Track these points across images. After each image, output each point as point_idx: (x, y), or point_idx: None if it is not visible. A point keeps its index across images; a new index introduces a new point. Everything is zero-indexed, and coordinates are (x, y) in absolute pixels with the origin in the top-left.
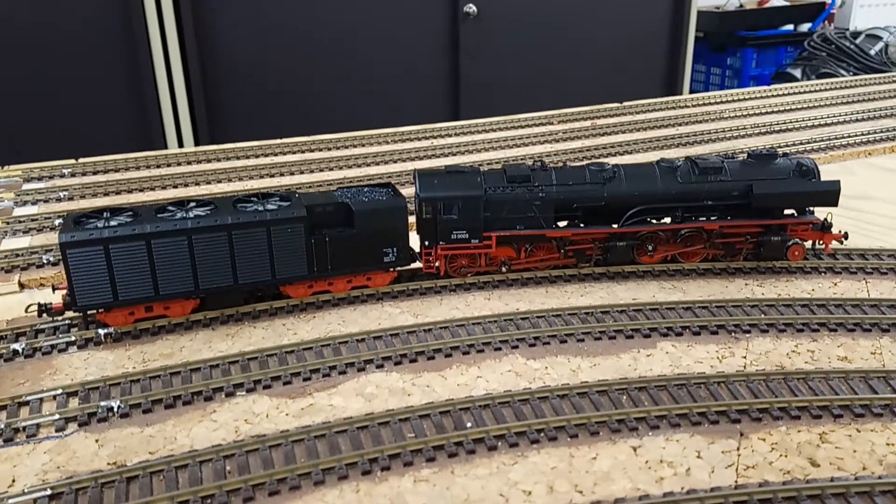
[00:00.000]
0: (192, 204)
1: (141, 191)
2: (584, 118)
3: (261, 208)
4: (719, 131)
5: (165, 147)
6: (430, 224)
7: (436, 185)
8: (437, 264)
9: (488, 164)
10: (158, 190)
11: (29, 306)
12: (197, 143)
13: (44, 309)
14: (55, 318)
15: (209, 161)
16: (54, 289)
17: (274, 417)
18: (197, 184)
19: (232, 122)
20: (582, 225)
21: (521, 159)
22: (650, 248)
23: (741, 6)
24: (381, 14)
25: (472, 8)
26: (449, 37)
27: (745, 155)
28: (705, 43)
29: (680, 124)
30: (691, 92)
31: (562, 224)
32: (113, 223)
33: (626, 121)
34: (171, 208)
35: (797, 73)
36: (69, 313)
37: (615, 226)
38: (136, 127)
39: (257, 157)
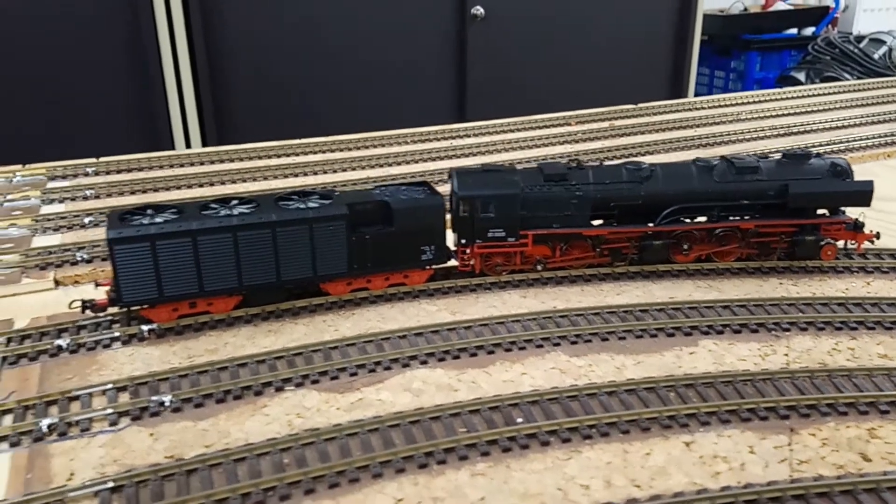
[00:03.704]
0: (235, 202)
1: (167, 189)
2: (601, 119)
3: (302, 206)
4: (737, 133)
5: (173, 147)
6: (466, 222)
7: (473, 184)
8: (472, 262)
9: (508, 164)
10: (184, 189)
11: (72, 302)
12: (204, 144)
13: (88, 305)
14: (98, 314)
15: (231, 161)
16: (97, 285)
17: (325, 412)
18: (222, 183)
19: (239, 123)
20: (615, 224)
21: (540, 160)
22: (686, 247)
23: (745, 10)
24: (388, 15)
25: (479, 10)
26: (456, 38)
27: (780, 155)
28: (709, 46)
29: (696, 126)
30: (696, 95)
31: (596, 223)
32: (158, 220)
33: (644, 122)
34: (214, 205)
35: (801, 76)
36: (112, 309)
37: (650, 224)
38: (144, 127)
39: (279, 157)
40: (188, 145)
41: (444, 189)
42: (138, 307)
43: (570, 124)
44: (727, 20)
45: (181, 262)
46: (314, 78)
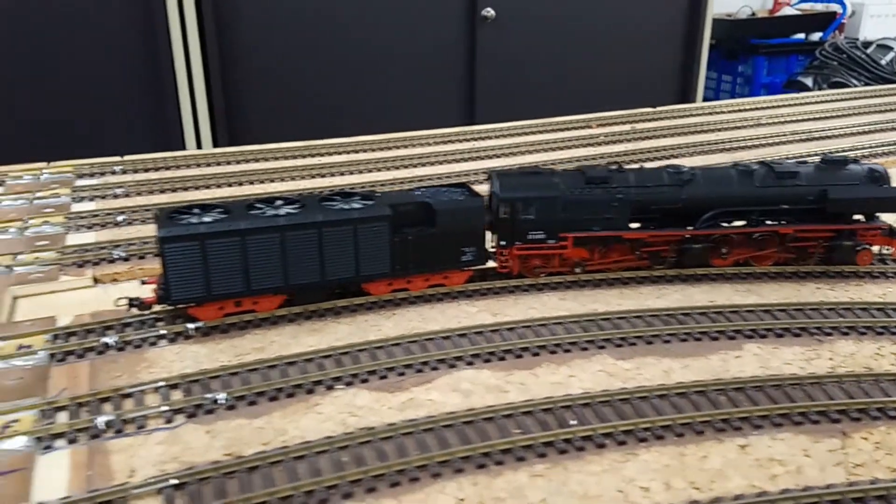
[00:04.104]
0: (280, 202)
1: (196, 189)
2: (622, 122)
3: (346, 206)
4: (758, 137)
5: (183, 147)
6: (506, 224)
7: (515, 186)
8: (510, 264)
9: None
10: (213, 188)
11: (118, 299)
12: (215, 144)
13: (135, 303)
14: (143, 312)
15: (257, 161)
16: (143, 282)
17: (377, 410)
18: (251, 183)
19: (250, 124)
20: (652, 227)
21: (562, 162)
22: (724, 250)
23: (753, 14)
24: (398, 17)
25: (490, 12)
26: (466, 40)
27: (819, 160)
28: (716, 50)
29: (717, 129)
30: (704, 99)
31: (634, 226)
32: (207, 219)
33: (665, 125)
34: (259, 205)
35: (808, 81)
36: (156, 307)
37: (689, 228)
38: (155, 126)
39: (302, 157)
40: (199, 145)
41: (479, 189)
42: (186, 305)
43: (591, 127)
44: (735, 24)
45: (229, 261)
46: (324, 79)
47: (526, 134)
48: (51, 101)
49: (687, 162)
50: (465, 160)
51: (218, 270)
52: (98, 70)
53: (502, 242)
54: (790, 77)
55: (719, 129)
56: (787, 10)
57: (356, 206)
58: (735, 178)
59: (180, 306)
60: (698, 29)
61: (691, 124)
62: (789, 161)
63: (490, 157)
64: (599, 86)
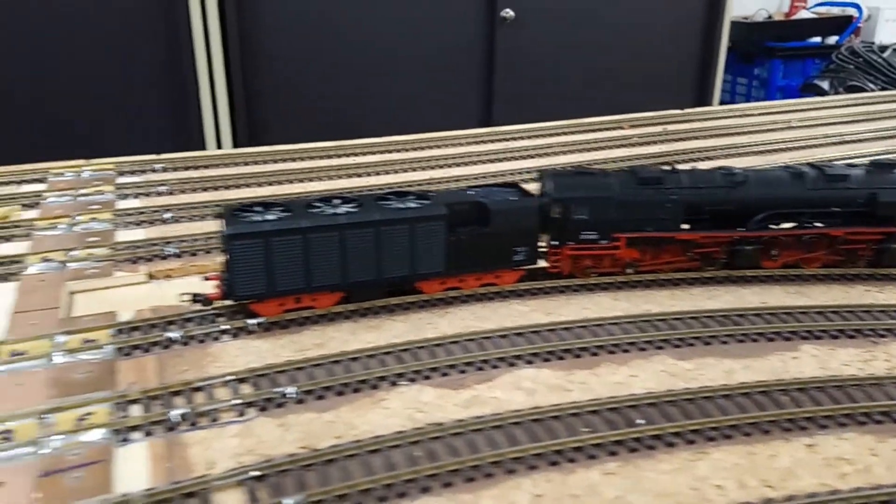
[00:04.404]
0: (338, 200)
1: (237, 188)
2: (653, 123)
3: (402, 206)
4: (791, 140)
5: (203, 147)
6: (559, 224)
7: (568, 186)
8: (562, 264)
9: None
10: (254, 187)
11: (182, 295)
12: (235, 144)
13: (199, 299)
14: (205, 308)
15: (293, 160)
16: (206, 278)
17: (442, 407)
18: (289, 182)
19: (269, 125)
20: (703, 228)
21: (597, 164)
22: (774, 252)
23: (769, 17)
24: (418, 18)
25: (509, 13)
26: (485, 41)
27: (868, 163)
28: (732, 53)
29: (749, 132)
30: (721, 103)
31: (685, 227)
32: (270, 217)
33: (695, 127)
34: (318, 204)
35: (825, 85)
36: (215, 303)
37: (740, 229)
38: (176, 126)
39: (338, 157)
40: (219, 145)
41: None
42: (248, 301)
43: (623, 128)
44: (751, 27)
45: (292, 258)
46: (343, 80)
47: (558, 134)
48: (78, 101)
49: (722, 164)
50: (499, 160)
51: (280, 267)
52: (121, 71)
53: (554, 242)
54: (806, 80)
55: (750, 132)
56: (804, 14)
57: (412, 205)
58: (787, 180)
59: (243, 302)
60: (716, 31)
61: (722, 126)
62: (839, 164)
63: (523, 158)
64: (617, 88)
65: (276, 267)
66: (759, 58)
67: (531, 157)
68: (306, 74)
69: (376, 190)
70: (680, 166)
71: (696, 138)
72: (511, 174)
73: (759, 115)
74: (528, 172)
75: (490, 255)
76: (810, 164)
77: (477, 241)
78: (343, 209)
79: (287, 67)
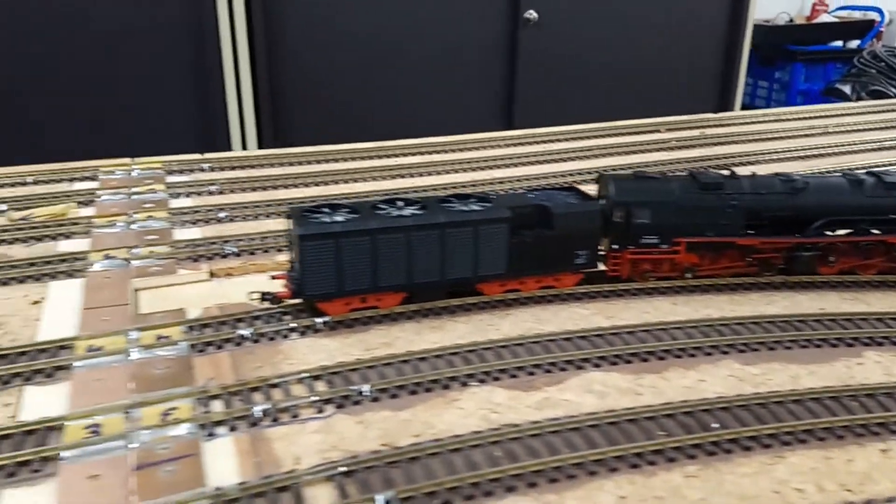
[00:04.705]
0: (402, 203)
1: (285, 188)
2: (690, 127)
3: (465, 208)
4: (828, 146)
5: (229, 148)
6: (621, 228)
7: (630, 190)
8: (621, 268)
9: (588, 172)
10: (301, 187)
11: (251, 293)
12: (260, 145)
13: (268, 297)
14: (274, 306)
15: (336, 161)
16: (273, 277)
17: (515, 408)
18: (335, 182)
19: (293, 126)
20: (760, 234)
21: (634, 168)
22: (831, 259)
23: (791, 21)
24: (442, 19)
25: (532, 14)
26: (508, 43)
27: None
28: (753, 56)
29: (788, 137)
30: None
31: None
32: (338, 218)
33: (733, 131)
34: (382, 206)
35: (847, 89)
36: (282, 301)
37: (797, 236)
38: (203, 126)
39: (380, 158)
40: (244, 146)
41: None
42: (317, 300)
43: (660, 131)
44: (772, 31)
45: (360, 258)
46: (365, 81)
47: (595, 137)
48: (109, 101)
49: (763, 169)
50: (539, 163)
51: (349, 267)
52: (150, 72)
53: (614, 246)
54: (828, 85)
55: (789, 137)
56: (825, 18)
57: (476, 207)
58: (846, 187)
59: (316, 302)
60: (739, 34)
61: (759, 131)
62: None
63: (563, 160)
64: (639, 90)
65: (345, 267)
66: (780, 61)
67: (570, 159)
68: (330, 75)
69: (421, 191)
70: (750, 172)
71: (734, 142)
72: (552, 177)
73: (796, 119)
74: (570, 175)
75: (552, 258)
76: (868, 172)
77: (539, 244)
78: (408, 211)
79: (311, 69)
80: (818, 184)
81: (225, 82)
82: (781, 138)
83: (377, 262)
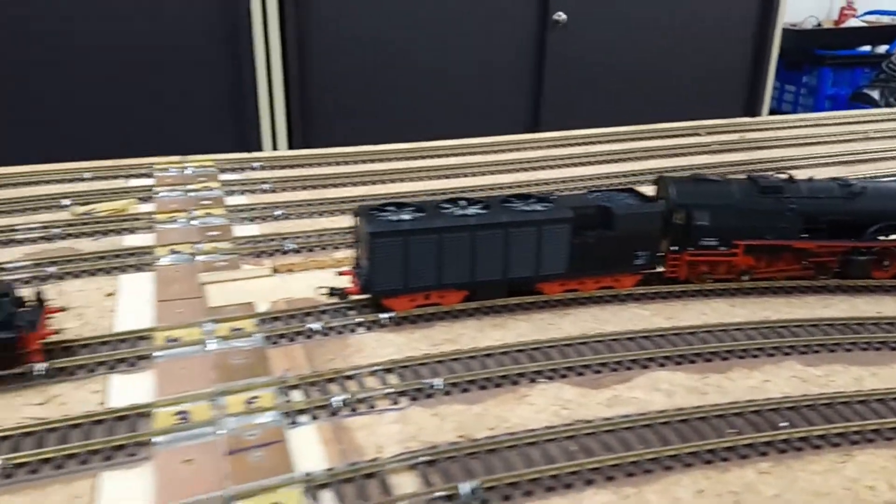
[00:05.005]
0: (464, 202)
1: (335, 186)
2: (730, 131)
3: (528, 208)
4: (870, 151)
5: (260, 148)
6: (680, 229)
7: (691, 192)
8: (679, 269)
9: (634, 174)
10: (350, 186)
11: (319, 288)
12: (290, 146)
13: (336, 292)
14: (339, 301)
15: (381, 161)
16: (340, 273)
17: (585, 405)
18: (382, 182)
19: (322, 128)
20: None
21: (669, 171)
22: (886, 263)
23: (819, 25)
24: (470, 20)
25: (561, 16)
26: (536, 44)
27: None
28: (780, 60)
29: (827, 142)
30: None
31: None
32: (405, 216)
33: (772, 136)
34: (446, 205)
35: (875, 94)
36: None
37: (853, 240)
38: (235, 126)
39: (423, 158)
40: (275, 147)
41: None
42: (384, 296)
43: (700, 134)
44: (800, 35)
45: (426, 256)
46: (394, 83)
47: (634, 139)
48: (149, 102)
49: (804, 173)
50: (581, 164)
51: (416, 264)
52: (185, 74)
53: (674, 247)
54: (856, 90)
55: (828, 142)
56: (853, 22)
57: (538, 208)
58: None
59: (382, 297)
60: (768, 38)
61: (798, 136)
62: None
63: (606, 163)
64: (666, 94)
65: (412, 264)
66: (807, 65)
67: (613, 161)
68: (359, 77)
69: (468, 192)
70: (808, 177)
71: (775, 147)
72: (597, 178)
73: (834, 124)
74: (615, 177)
75: (612, 259)
76: None
77: (601, 245)
78: (472, 210)
79: (341, 71)
80: (875, 189)
81: (257, 84)
82: (821, 143)
83: (442, 260)
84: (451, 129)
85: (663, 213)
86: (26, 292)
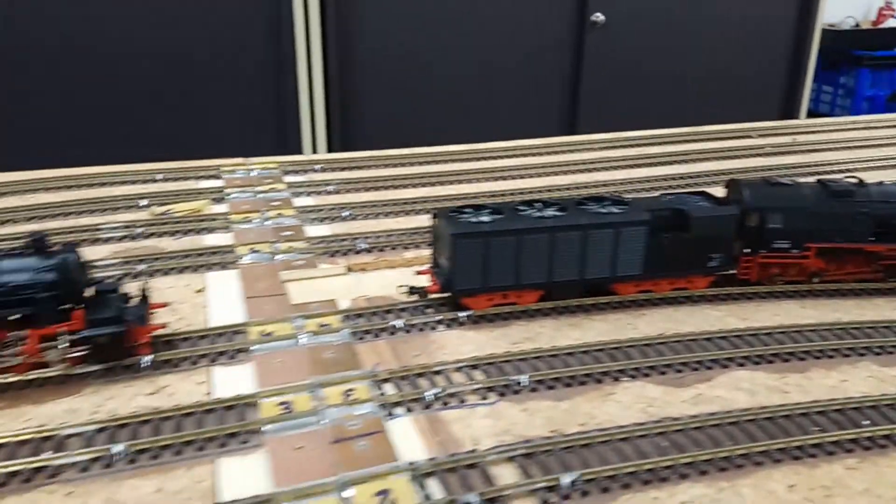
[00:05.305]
0: (540, 204)
1: (395, 188)
2: (780, 133)
3: (604, 210)
4: None
5: (300, 151)
6: (754, 232)
7: (765, 196)
8: (751, 271)
9: (689, 176)
10: (409, 188)
11: (399, 286)
12: (329, 149)
13: (416, 291)
14: (419, 300)
15: (435, 163)
16: (419, 272)
17: (670, 403)
18: (441, 184)
19: (361, 131)
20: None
21: (731, 173)
22: None
23: (856, 25)
24: (508, 20)
25: (599, 17)
26: (574, 45)
27: None
28: (818, 60)
29: (881, 146)
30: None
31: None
32: (484, 218)
33: (822, 139)
34: (522, 207)
35: None
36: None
37: None
38: (277, 130)
39: (475, 160)
40: (314, 150)
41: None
42: (464, 295)
43: (750, 136)
44: (837, 35)
45: (506, 256)
46: (431, 86)
47: (680, 142)
48: (191, 105)
49: (864, 177)
50: (636, 166)
51: (495, 265)
52: (225, 73)
53: (746, 250)
54: (894, 91)
55: (881, 145)
56: (892, 22)
57: (615, 210)
58: None
59: (461, 297)
60: (807, 39)
61: (850, 139)
62: None
63: (660, 165)
64: (704, 95)
65: (491, 264)
66: (844, 66)
67: (667, 163)
68: (397, 79)
69: (526, 193)
70: (877, 181)
71: (828, 149)
72: (655, 181)
73: (886, 127)
74: (672, 179)
75: (687, 260)
76: None
77: (676, 247)
78: (549, 212)
79: (380, 74)
80: None
81: (298, 87)
82: (873, 146)
83: (520, 261)
84: (488, 132)
85: (736, 216)
86: (130, 288)
